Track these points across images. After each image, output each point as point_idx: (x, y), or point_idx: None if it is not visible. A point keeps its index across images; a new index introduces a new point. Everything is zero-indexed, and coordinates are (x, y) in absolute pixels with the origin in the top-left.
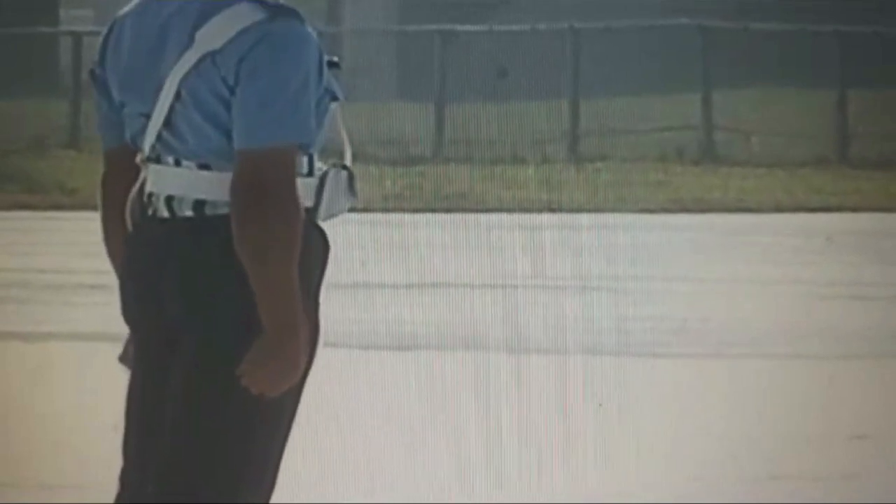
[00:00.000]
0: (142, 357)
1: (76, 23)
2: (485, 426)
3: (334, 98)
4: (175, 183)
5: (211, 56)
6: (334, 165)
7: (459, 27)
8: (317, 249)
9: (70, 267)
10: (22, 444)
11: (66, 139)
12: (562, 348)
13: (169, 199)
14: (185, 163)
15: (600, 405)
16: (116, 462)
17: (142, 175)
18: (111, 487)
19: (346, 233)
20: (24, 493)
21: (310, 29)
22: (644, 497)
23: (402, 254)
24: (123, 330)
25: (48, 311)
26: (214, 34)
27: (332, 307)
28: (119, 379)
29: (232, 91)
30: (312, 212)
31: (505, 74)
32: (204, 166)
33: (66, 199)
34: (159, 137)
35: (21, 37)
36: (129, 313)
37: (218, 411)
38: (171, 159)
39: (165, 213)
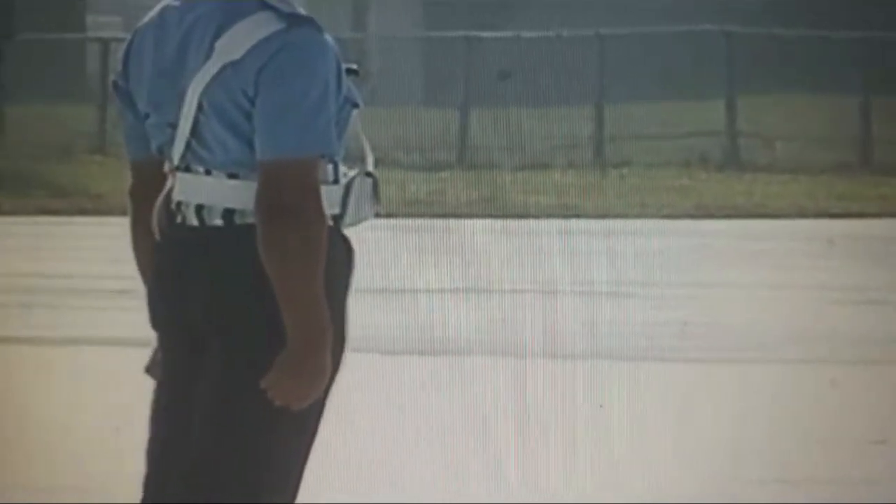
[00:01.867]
0: (169, 364)
1: (103, 29)
2: (514, 429)
3: (355, 105)
4: (205, 192)
5: (231, 67)
6: (359, 172)
7: (485, 33)
8: (342, 258)
9: (96, 272)
10: (48, 448)
11: (93, 145)
12: (576, 353)
13: (199, 208)
14: (214, 172)
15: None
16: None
17: (169, 183)
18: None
19: (370, 238)
20: (61, 496)
21: (327, 37)
22: (677, 498)
23: (427, 259)
24: (149, 335)
25: (74, 316)
26: (233, 45)
27: (356, 312)
28: (145, 384)
29: (252, 102)
30: (338, 219)
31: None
32: (232, 175)
33: (92, 205)
34: (188, 147)
35: (48, 43)
36: (157, 321)
37: (243, 419)
38: (201, 169)
39: (195, 222)
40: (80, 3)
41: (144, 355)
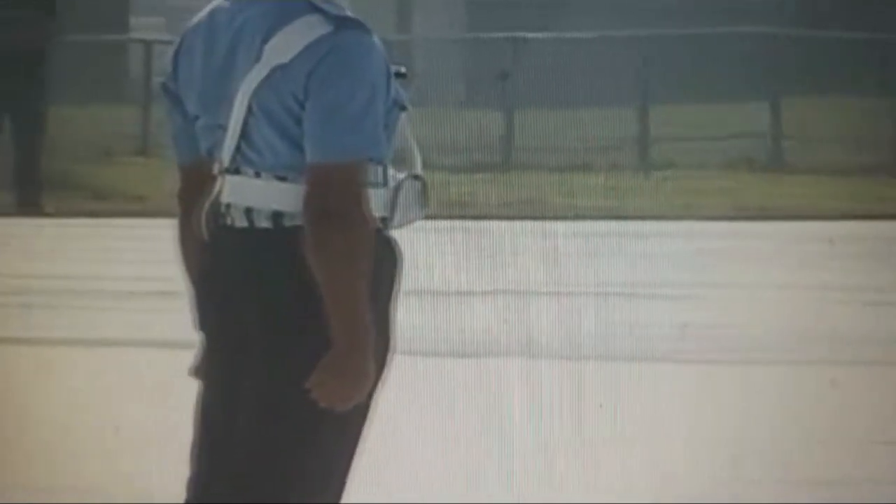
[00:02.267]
0: (214, 365)
1: (146, 30)
2: (538, 432)
3: (403, 108)
4: (254, 194)
5: (280, 70)
6: (407, 175)
7: (528, 34)
8: (388, 262)
9: (139, 274)
10: (91, 450)
11: (136, 146)
12: (618, 355)
13: (248, 210)
14: (263, 174)
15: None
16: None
17: (217, 185)
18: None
19: (412, 239)
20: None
21: (376, 40)
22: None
23: (469, 261)
24: (192, 337)
25: (117, 318)
26: (282, 48)
27: (398, 314)
28: (187, 385)
29: (301, 105)
30: (386, 222)
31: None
32: (281, 178)
33: (134, 207)
34: (238, 149)
35: (91, 44)
36: (203, 322)
37: (287, 420)
38: (250, 171)
39: (243, 224)
40: (123, 4)
41: (187, 357)
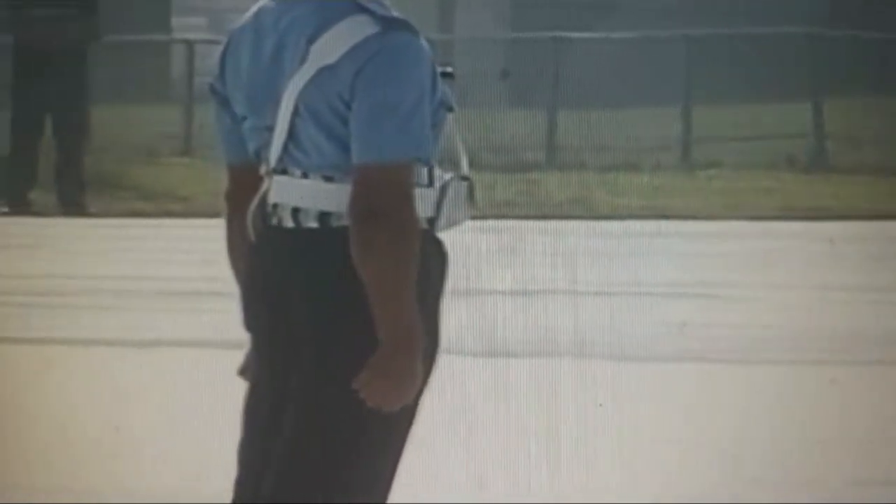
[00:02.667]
0: (262, 365)
1: (189, 31)
2: (584, 432)
3: (449, 108)
4: (301, 194)
5: (326, 70)
6: (454, 176)
7: (573, 34)
8: (435, 262)
9: (183, 274)
10: (136, 451)
11: (180, 147)
12: (661, 356)
13: (295, 210)
14: (311, 175)
15: (600, 405)
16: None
17: (264, 186)
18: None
19: (458, 240)
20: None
21: (423, 41)
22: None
23: (514, 260)
24: (237, 336)
25: (162, 318)
26: (329, 49)
27: (444, 313)
28: (231, 385)
29: (348, 106)
30: (432, 222)
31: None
32: (328, 178)
33: (178, 207)
34: (285, 150)
35: (134, 45)
36: (251, 322)
37: (334, 420)
38: (297, 171)
39: (290, 224)
40: (166, 4)
41: (233, 356)
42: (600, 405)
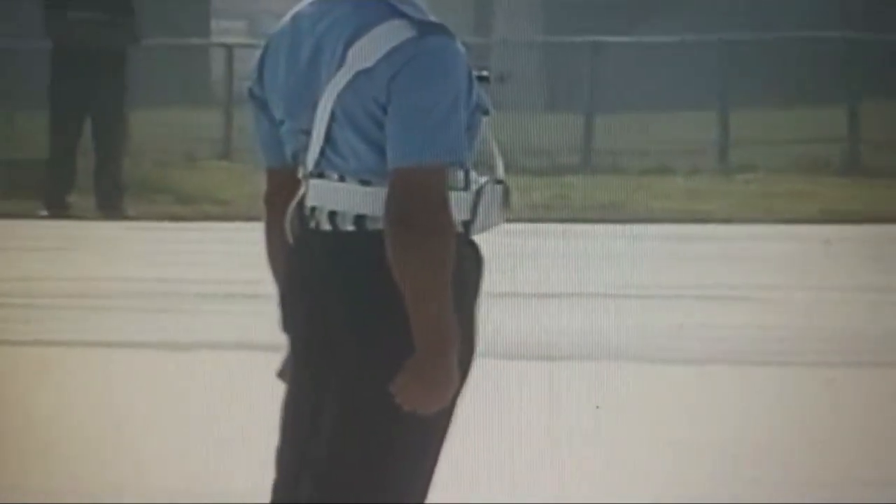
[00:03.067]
0: (299, 368)
1: (228, 34)
2: (613, 436)
3: (485, 112)
4: (338, 198)
5: (363, 74)
6: (489, 180)
7: (609, 38)
8: (471, 265)
9: (222, 277)
10: (176, 453)
11: (218, 150)
12: (691, 358)
13: (332, 214)
14: (347, 178)
15: (597, 407)
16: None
17: (302, 189)
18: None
19: (494, 242)
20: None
21: (459, 44)
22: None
23: (551, 263)
24: (274, 340)
25: (200, 320)
26: (366, 53)
27: (480, 316)
28: (270, 388)
29: (384, 109)
30: (467, 226)
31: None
32: (365, 182)
33: (217, 210)
34: (322, 154)
35: (173, 48)
36: (289, 325)
37: (371, 423)
38: (334, 175)
39: (328, 227)
40: (205, 8)
41: (277, 359)
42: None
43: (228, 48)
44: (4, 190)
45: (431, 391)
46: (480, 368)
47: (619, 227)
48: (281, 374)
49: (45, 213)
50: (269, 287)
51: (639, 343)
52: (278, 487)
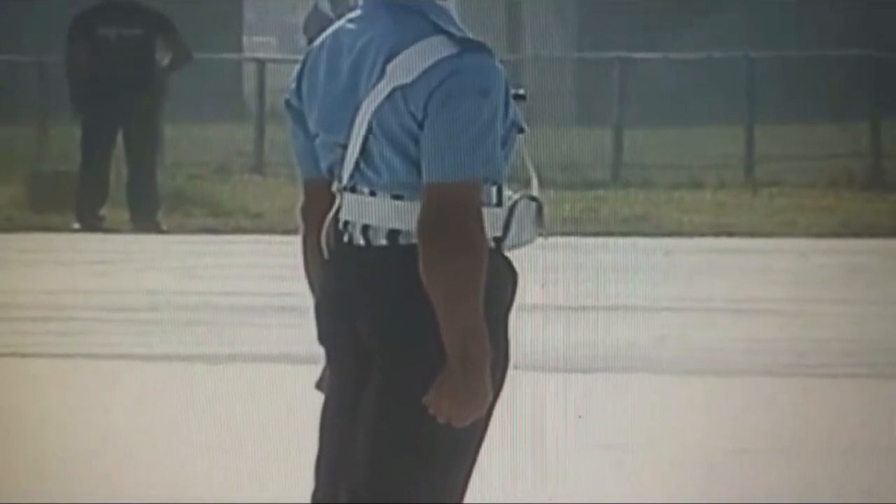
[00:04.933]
0: (336, 380)
1: (259, 49)
2: (637, 449)
3: (520, 130)
4: (370, 212)
5: (401, 90)
6: (523, 196)
7: (638, 54)
8: (503, 281)
9: (255, 289)
10: (213, 467)
11: (251, 164)
12: (722, 370)
13: (365, 228)
14: (379, 193)
15: (579, 417)
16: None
17: (337, 202)
18: None
19: (525, 256)
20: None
21: (498, 63)
22: None
23: (580, 277)
24: (309, 352)
25: (234, 333)
26: (405, 68)
27: (511, 329)
28: (307, 399)
29: (420, 125)
30: (500, 241)
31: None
32: (397, 196)
33: (250, 223)
34: (357, 168)
35: (206, 63)
36: (324, 337)
37: (406, 436)
38: (366, 190)
39: (361, 241)
40: (237, 23)
41: (310, 371)
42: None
43: (261, 63)
44: (37, 203)
45: (465, 403)
46: (512, 381)
47: (648, 241)
48: (319, 386)
49: (77, 226)
50: (303, 300)
51: (669, 355)
52: (317, 497)
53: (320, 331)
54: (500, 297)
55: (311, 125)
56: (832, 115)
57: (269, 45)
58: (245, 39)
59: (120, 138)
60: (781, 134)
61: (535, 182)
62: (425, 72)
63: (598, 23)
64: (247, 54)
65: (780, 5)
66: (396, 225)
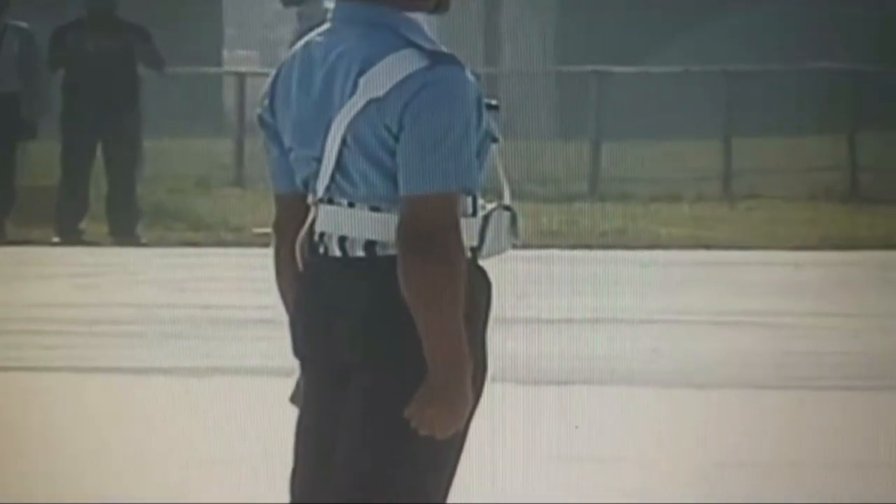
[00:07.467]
0: (311, 393)
1: (240, 63)
2: (622, 460)
3: (494, 140)
4: (348, 224)
5: (374, 103)
6: (497, 206)
7: (615, 68)
8: (480, 289)
9: (235, 303)
10: (199, 478)
11: (231, 177)
12: (703, 382)
13: (342, 240)
14: (357, 204)
15: (576, 427)
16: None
17: (311, 215)
18: None
19: (503, 269)
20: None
21: (468, 73)
22: None
23: (558, 289)
24: (288, 365)
25: (214, 346)
26: (377, 81)
27: (490, 341)
28: (283, 413)
29: (396, 138)
30: (475, 251)
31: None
32: (374, 208)
33: (230, 237)
34: (332, 180)
35: (186, 77)
36: (300, 350)
37: (385, 448)
38: (344, 201)
39: (337, 253)
40: (218, 37)
41: (283, 384)
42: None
43: (240, 76)
44: (17, 217)
45: (446, 415)
46: (490, 393)
47: (626, 253)
48: (293, 399)
49: (57, 239)
50: (282, 313)
51: (648, 367)
52: None
53: (295, 344)
54: (478, 306)
55: (286, 140)
56: (810, 128)
57: (250, 59)
58: (226, 53)
59: (99, 151)
60: (759, 147)
61: (507, 192)
62: (397, 85)
63: (576, 36)
64: (227, 68)
65: (758, 19)
66: (374, 236)
